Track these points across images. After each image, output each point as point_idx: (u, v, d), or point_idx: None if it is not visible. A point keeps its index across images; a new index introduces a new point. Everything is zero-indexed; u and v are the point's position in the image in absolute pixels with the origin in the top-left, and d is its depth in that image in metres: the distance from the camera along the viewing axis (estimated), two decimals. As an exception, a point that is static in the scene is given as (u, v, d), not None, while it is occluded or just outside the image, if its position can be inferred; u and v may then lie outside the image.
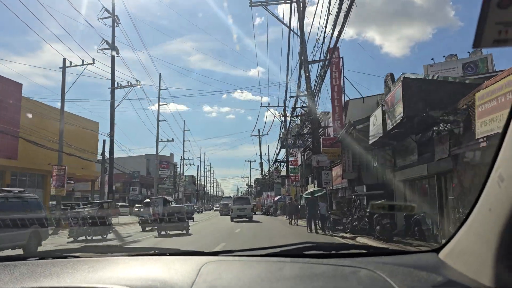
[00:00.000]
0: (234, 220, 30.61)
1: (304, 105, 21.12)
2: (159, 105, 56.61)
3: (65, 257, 1.81)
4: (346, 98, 21.62)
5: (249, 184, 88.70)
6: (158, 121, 56.36)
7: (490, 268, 1.12)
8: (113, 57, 31.21)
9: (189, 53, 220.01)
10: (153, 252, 1.88)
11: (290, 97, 22.22)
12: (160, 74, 56.60)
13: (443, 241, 1.53)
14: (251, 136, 53.43)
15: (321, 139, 21.16)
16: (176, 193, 73.97)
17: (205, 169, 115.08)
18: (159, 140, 56.92)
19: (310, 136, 21.56)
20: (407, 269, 1.35)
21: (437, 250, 1.50)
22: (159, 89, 56.91)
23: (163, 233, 17.49)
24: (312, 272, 1.42)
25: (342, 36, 12.80)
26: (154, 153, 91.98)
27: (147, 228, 20.78)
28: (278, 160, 43.21)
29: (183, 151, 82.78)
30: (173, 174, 71.85)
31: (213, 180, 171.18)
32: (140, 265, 1.64)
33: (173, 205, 23.05)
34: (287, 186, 39.43)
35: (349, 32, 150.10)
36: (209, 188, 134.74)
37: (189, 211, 25.57)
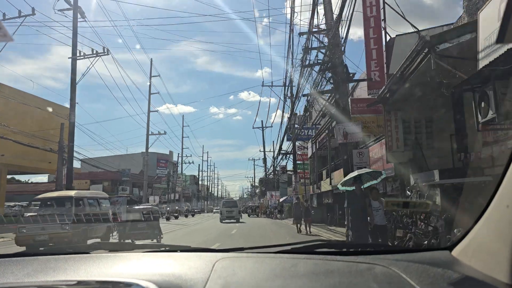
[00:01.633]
0: (223, 221, 30.07)
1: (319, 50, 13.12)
2: (150, 94, 49.30)
3: (77, 253, 1.77)
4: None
5: (253, 184, 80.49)
6: (149, 111, 48.96)
7: (506, 265, 1.09)
8: (75, 19, 24.08)
9: (196, 56, 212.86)
10: (164, 248, 1.89)
11: (300, 34, 14.04)
12: (151, 59, 48.67)
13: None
14: (253, 128, 45.56)
15: (349, 101, 13.01)
16: (173, 193, 66.32)
17: (208, 169, 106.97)
18: (150, 133, 49.48)
19: (331, 96, 13.44)
20: (422, 266, 1.32)
21: (450, 248, 1.47)
22: (150, 76, 49.67)
23: (127, 241, 13.07)
24: (326, 268, 1.39)
25: None
26: (152, 151, 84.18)
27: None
28: (283, 151, 34.85)
29: (182, 148, 75.30)
30: (169, 173, 63.60)
31: (218, 181, 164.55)
32: (153, 260, 1.63)
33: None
34: (294, 184, 31.27)
35: (356, 32, 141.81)
36: (213, 189, 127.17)
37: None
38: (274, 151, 46.73)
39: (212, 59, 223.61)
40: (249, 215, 51.16)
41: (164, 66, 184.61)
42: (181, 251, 1.76)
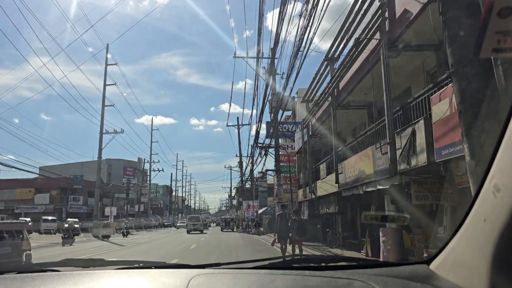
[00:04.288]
0: (190, 232, 34.80)
1: None
2: (105, 85, 40.33)
3: (45, 271, 1.61)
4: None
5: (230, 194, 71.52)
6: (103, 105, 39.98)
7: (485, 279, 1.06)
8: None
9: (176, 68, 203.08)
10: (137, 265, 1.68)
11: None
12: (107, 44, 39.99)
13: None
14: (227, 126, 37.09)
15: None
16: (137, 204, 56.64)
17: (183, 178, 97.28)
18: (105, 131, 40.26)
19: None
20: (401, 281, 1.29)
21: (428, 262, 1.42)
22: (106, 64, 40.86)
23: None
24: (305, 284, 1.34)
25: None
26: (118, 157, 73.94)
27: None
28: (260, 144, 25.91)
29: (151, 154, 65.93)
30: (129, 181, 53.92)
31: (195, 192, 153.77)
32: (126, 278, 1.52)
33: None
34: (276, 188, 22.61)
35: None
36: (189, 200, 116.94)
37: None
38: (252, 157, 37.96)
39: (192, 71, 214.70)
40: (222, 229, 42.06)
41: (144, 78, 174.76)
42: (156, 267, 1.65)
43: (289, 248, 12.44)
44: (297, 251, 12.09)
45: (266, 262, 1.61)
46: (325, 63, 13.95)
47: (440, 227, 8.73)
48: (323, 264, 1.58)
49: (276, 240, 12.71)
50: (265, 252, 14.44)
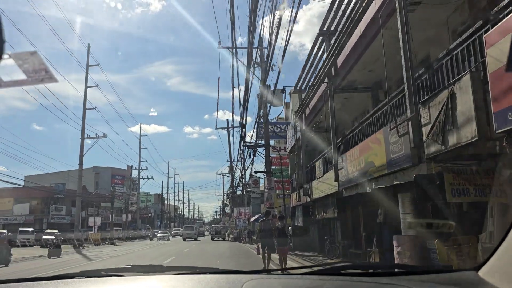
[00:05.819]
0: (186, 240, 39.40)
1: None
2: (86, 87, 37.79)
3: (110, 275, 1.73)
4: None
5: (223, 201, 68.99)
6: (85, 108, 37.44)
7: None
8: None
9: (170, 76, 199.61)
10: (194, 271, 1.79)
11: None
12: (89, 44, 37.56)
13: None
14: (216, 129, 34.70)
15: None
16: (125, 213, 53.70)
17: (174, 186, 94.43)
18: (86, 136, 37.67)
19: None
20: (448, 287, 1.24)
21: (477, 268, 1.36)
22: (87, 65, 38.38)
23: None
24: None
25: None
26: (107, 165, 70.94)
27: None
28: (247, 143, 23.40)
29: (139, 161, 63.33)
30: (114, 189, 51.03)
31: (188, 201, 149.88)
32: (185, 282, 1.59)
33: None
34: (267, 192, 20.11)
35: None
36: (183, 209, 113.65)
37: None
38: (243, 161, 35.47)
39: (185, 80, 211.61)
40: (212, 239, 39.40)
41: (137, 87, 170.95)
42: (210, 273, 1.71)
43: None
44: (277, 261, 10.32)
45: (315, 269, 1.63)
46: (320, 39, 11.63)
47: (483, 234, 6.36)
48: (371, 271, 1.57)
49: (260, 249, 11.06)
50: (251, 266, 11.97)
